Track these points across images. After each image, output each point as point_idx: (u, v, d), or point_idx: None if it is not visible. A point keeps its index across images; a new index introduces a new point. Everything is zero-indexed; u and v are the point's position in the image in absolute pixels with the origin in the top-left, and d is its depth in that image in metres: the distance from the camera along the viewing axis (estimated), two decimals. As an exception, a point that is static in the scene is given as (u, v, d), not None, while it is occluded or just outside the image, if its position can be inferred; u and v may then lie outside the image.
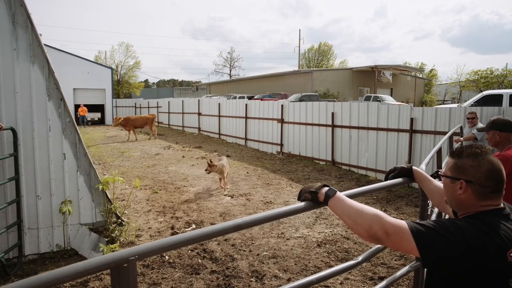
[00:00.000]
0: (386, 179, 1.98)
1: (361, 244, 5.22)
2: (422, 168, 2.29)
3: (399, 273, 2.30)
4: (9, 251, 4.65)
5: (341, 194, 1.46)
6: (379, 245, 2.07)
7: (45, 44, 4.99)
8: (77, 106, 28.13)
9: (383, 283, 2.21)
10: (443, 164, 4.04)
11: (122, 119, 18.27)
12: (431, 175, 1.93)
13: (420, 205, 2.41)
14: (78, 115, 26.48)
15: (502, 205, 1.40)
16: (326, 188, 1.48)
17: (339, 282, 4.15)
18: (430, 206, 2.48)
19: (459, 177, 1.41)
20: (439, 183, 1.79)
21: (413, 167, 1.92)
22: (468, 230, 1.23)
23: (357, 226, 1.34)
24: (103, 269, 1.05)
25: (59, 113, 4.99)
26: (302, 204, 1.51)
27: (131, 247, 1.12)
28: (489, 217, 1.31)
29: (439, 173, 1.67)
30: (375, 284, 4.04)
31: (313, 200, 1.50)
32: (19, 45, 4.68)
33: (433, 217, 2.82)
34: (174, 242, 1.19)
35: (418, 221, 1.31)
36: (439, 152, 4.03)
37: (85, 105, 27.71)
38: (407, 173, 1.92)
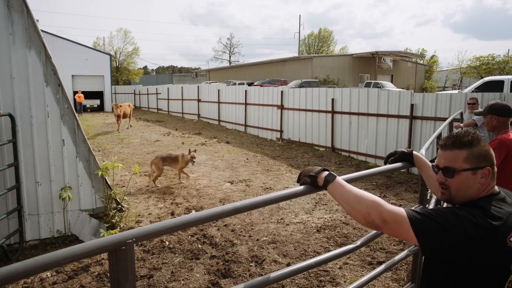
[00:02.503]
0: (385, 163, 1.96)
1: (360, 229, 5.25)
2: (422, 153, 2.28)
3: (397, 257, 2.31)
4: (10, 237, 4.68)
5: (340, 179, 1.45)
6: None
7: (42, 30, 4.91)
8: (74, 93, 27.78)
9: (382, 267, 2.22)
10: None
11: (122, 106, 17.51)
12: (431, 161, 1.91)
13: (420, 190, 2.41)
14: (76, 101, 26.04)
15: (496, 189, 1.39)
16: (326, 173, 1.46)
17: (338, 267, 4.19)
18: (430, 191, 2.48)
19: (483, 165, 1.36)
20: None
21: (414, 152, 1.90)
22: (467, 219, 1.22)
23: (356, 212, 1.33)
24: (100, 252, 1.04)
25: (57, 99, 4.96)
26: (301, 188, 1.50)
27: (128, 230, 1.11)
28: (487, 203, 1.31)
29: (451, 170, 1.43)
30: (374, 268, 4.08)
31: (312, 184, 1.49)
32: (15, 30, 4.61)
33: (432, 202, 2.82)
34: (172, 225, 1.18)
35: (417, 209, 1.30)
36: (439, 137, 4.02)
37: (83, 92, 27.25)
38: (407, 157, 1.90)
